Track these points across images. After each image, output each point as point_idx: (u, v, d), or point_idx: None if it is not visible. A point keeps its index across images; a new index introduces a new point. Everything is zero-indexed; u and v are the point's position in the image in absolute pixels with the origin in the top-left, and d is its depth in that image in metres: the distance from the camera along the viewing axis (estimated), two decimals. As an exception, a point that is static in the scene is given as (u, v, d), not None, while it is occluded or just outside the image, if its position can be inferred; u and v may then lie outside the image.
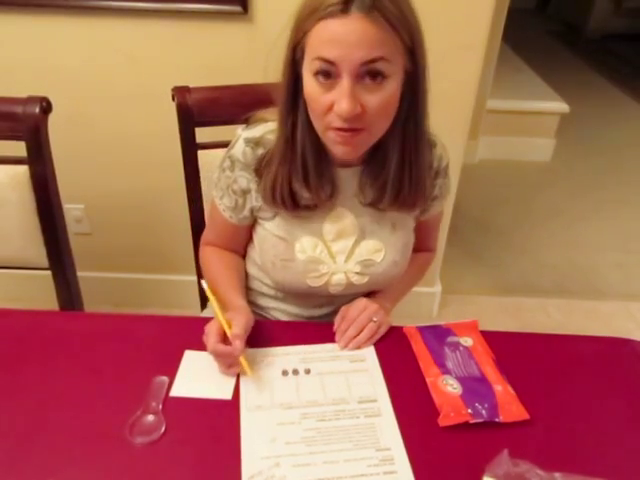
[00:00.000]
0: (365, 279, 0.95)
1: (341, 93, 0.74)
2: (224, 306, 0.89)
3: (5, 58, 1.53)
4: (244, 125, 0.94)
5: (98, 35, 1.50)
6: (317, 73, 0.75)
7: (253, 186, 0.92)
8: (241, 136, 0.91)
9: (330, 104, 0.76)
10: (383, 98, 0.76)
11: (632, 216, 2.74)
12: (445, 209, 1.79)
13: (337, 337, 0.90)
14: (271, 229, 0.94)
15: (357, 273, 0.94)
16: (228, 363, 0.82)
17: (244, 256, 1.06)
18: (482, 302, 2.13)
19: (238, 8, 1.43)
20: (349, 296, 0.98)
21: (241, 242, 1.03)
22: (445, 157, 0.97)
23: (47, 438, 0.73)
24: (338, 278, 0.94)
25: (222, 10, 1.44)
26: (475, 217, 2.63)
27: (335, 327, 0.91)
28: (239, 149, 0.91)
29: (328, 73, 0.74)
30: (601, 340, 0.95)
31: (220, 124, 1.08)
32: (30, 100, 1.01)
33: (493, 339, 0.91)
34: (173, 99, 1.09)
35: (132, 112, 1.62)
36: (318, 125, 0.81)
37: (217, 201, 0.97)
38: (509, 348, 0.90)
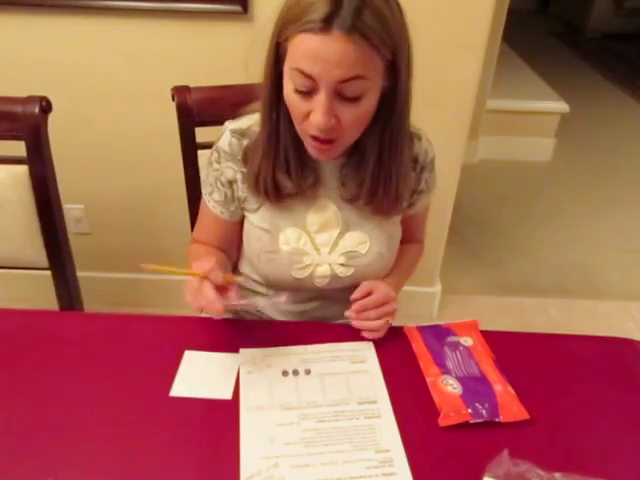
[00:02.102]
0: (350, 271, 0.95)
1: (317, 106, 0.76)
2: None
3: (5, 58, 1.53)
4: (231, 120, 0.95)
5: (98, 35, 1.50)
6: (295, 84, 0.76)
7: (239, 177, 0.93)
8: (227, 128, 0.93)
9: (307, 112, 0.78)
10: (358, 113, 0.78)
11: (632, 216, 2.74)
12: (445, 209, 1.81)
13: (354, 310, 0.88)
14: (255, 221, 0.95)
15: (342, 265, 0.95)
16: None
17: (236, 258, 1.06)
18: (482, 302, 2.13)
19: (238, 8, 1.43)
20: (336, 290, 0.99)
21: (232, 241, 1.02)
22: (431, 151, 0.97)
23: (47, 438, 0.73)
24: (323, 270, 0.95)
25: (222, 10, 1.44)
26: (475, 217, 2.63)
27: (355, 297, 0.90)
28: (225, 140, 0.92)
29: (306, 85, 0.75)
30: (601, 340, 0.95)
31: (220, 124, 1.07)
32: (30, 100, 1.01)
33: (493, 339, 0.91)
34: (173, 99, 1.09)
35: (132, 112, 1.62)
36: (296, 126, 0.83)
37: (206, 198, 0.98)
38: (509, 348, 0.90)
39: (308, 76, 0.73)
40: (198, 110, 1.09)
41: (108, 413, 0.76)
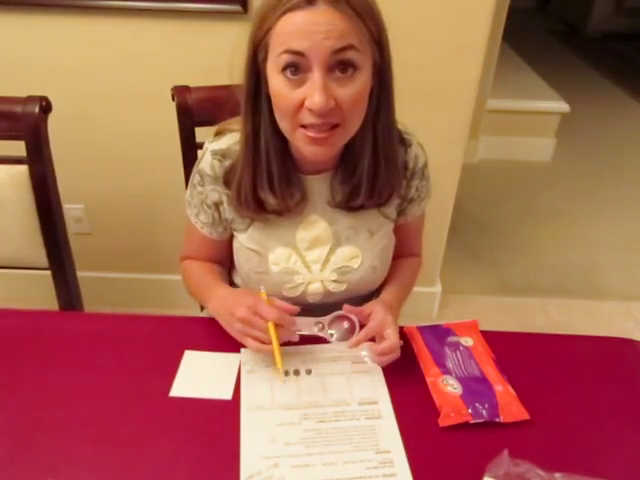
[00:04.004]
0: (343, 286, 0.94)
1: (313, 86, 0.71)
2: (211, 298, 0.90)
3: (5, 58, 1.53)
4: (211, 138, 0.92)
5: (98, 35, 1.50)
6: (285, 68, 0.72)
7: (224, 199, 0.90)
8: (207, 149, 0.90)
9: (300, 101, 0.73)
10: (356, 90, 0.74)
11: (632, 216, 2.74)
12: (445, 209, 1.81)
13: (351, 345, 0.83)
14: (244, 242, 0.92)
15: (334, 281, 0.93)
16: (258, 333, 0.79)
17: (230, 267, 1.05)
18: (482, 302, 2.13)
19: (238, 8, 1.43)
20: (329, 303, 0.96)
21: (223, 255, 1.00)
22: (422, 157, 0.94)
23: (47, 438, 0.73)
24: (315, 287, 0.93)
25: (222, 10, 1.44)
26: (475, 217, 2.63)
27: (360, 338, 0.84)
28: (206, 163, 0.89)
29: (297, 67, 0.72)
30: (601, 340, 0.95)
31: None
32: (30, 100, 1.01)
33: (493, 339, 0.91)
34: (173, 99, 1.09)
35: (132, 112, 1.62)
36: (286, 125, 0.78)
37: (193, 219, 0.95)
38: (509, 348, 0.90)
39: (299, 53, 0.70)
40: (198, 110, 1.09)
41: (108, 413, 0.76)
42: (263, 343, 0.80)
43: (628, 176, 3.09)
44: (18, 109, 1.00)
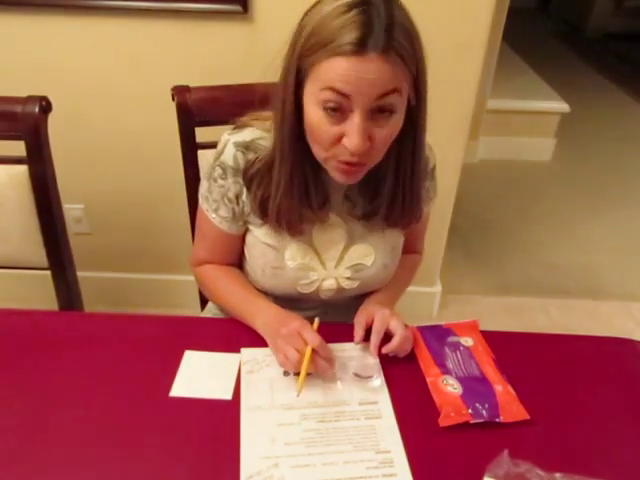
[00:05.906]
0: (356, 283, 0.95)
1: (352, 129, 0.74)
2: (258, 313, 0.89)
3: (5, 58, 1.53)
4: (230, 130, 0.92)
5: (98, 35, 1.50)
6: (326, 104, 0.74)
7: (245, 190, 0.90)
8: (229, 140, 0.89)
9: (338, 136, 0.76)
10: (390, 131, 0.78)
11: (632, 216, 2.74)
12: (445, 209, 1.81)
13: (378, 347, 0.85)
14: (260, 236, 0.92)
15: (348, 278, 0.94)
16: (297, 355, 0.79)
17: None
18: (482, 302, 2.13)
19: (238, 8, 1.44)
20: (340, 299, 0.98)
21: (238, 253, 0.99)
22: (432, 159, 0.96)
23: (47, 438, 0.73)
24: (329, 284, 0.94)
25: (222, 10, 1.45)
26: (475, 217, 2.63)
27: (358, 339, 0.87)
28: (229, 154, 0.89)
29: (338, 105, 0.73)
30: (601, 340, 0.95)
31: (220, 124, 1.07)
32: (30, 100, 1.01)
33: (493, 339, 0.91)
34: (173, 99, 1.09)
35: (132, 112, 1.62)
36: (319, 152, 0.80)
37: (210, 215, 0.93)
38: (509, 348, 0.90)
39: (343, 94, 0.72)
40: (198, 110, 1.09)
41: (108, 413, 0.76)
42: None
43: (628, 176, 3.10)
44: (18, 109, 1.00)
